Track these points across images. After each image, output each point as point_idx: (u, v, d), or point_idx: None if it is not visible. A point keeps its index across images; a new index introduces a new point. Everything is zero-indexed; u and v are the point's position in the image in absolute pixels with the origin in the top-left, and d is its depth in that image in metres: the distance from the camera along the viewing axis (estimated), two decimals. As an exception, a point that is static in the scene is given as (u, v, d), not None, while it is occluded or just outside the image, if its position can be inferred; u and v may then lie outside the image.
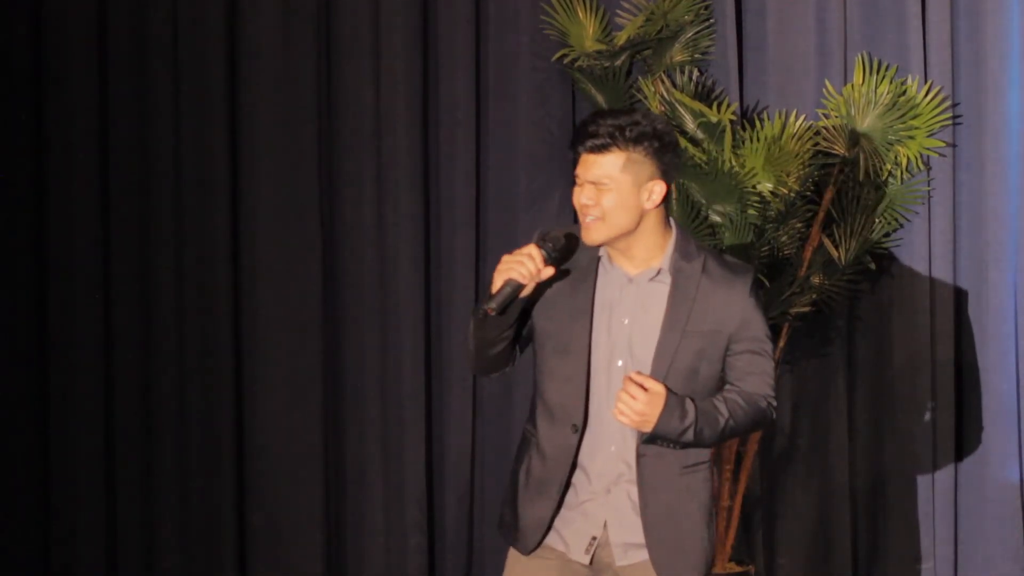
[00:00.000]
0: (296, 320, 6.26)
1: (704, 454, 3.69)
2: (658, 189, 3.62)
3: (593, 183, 3.60)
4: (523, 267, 3.54)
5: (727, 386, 3.69)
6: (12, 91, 6.24)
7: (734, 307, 3.65)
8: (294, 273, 6.27)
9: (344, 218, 6.27)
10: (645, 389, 3.51)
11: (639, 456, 3.62)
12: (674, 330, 3.61)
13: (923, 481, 5.90)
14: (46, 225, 6.30)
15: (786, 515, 6.03)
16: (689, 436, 3.56)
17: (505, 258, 3.56)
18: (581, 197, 3.62)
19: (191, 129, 6.27)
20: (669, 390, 3.54)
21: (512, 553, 3.77)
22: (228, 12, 6.24)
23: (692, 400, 3.58)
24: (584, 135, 3.62)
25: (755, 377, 3.67)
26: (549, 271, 3.57)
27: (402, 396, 6.23)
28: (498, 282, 3.54)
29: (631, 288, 3.66)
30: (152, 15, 6.26)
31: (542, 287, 3.67)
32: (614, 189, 3.58)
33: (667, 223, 3.69)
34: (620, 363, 3.63)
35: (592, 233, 3.62)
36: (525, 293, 3.61)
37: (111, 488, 6.34)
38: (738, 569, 5.72)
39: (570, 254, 3.69)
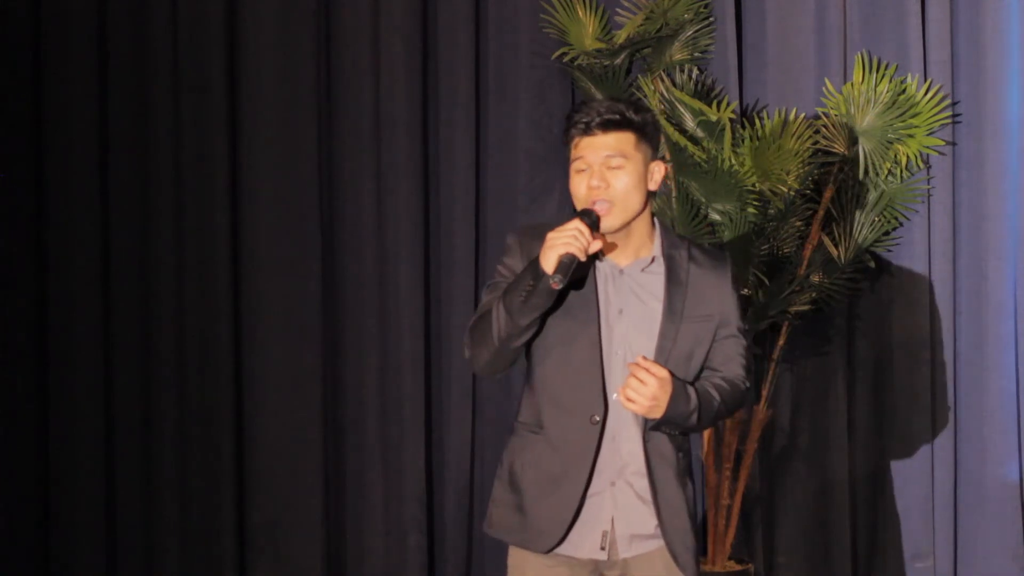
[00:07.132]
0: (296, 320, 6.27)
1: (689, 440, 3.69)
2: (659, 170, 3.60)
3: (606, 161, 3.53)
4: (577, 241, 3.45)
5: (707, 371, 3.68)
6: (12, 91, 6.24)
7: (723, 293, 3.67)
8: (294, 273, 6.27)
9: (344, 218, 6.27)
10: (652, 375, 3.47)
11: (645, 443, 3.59)
12: (674, 317, 3.60)
13: (923, 480, 5.89)
14: (46, 225, 6.30)
15: (786, 514, 6.02)
16: (693, 420, 3.55)
17: (551, 236, 3.46)
18: (591, 180, 3.54)
19: (191, 129, 6.27)
20: (673, 375, 3.52)
21: (518, 554, 3.68)
22: (228, 12, 6.25)
23: (692, 384, 3.57)
24: (592, 114, 3.54)
25: (735, 361, 3.68)
26: (597, 244, 3.50)
27: (402, 396, 6.23)
28: (551, 258, 3.44)
29: (623, 279, 3.62)
30: (152, 15, 6.27)
31: None
32: (629, 168, 3.54)
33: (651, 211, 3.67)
34: (619, 353, 3.59)
35: (605, 219, 3.53)
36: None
37: (111, 488, 6.34)
38: (738, 568, 5.71)
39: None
